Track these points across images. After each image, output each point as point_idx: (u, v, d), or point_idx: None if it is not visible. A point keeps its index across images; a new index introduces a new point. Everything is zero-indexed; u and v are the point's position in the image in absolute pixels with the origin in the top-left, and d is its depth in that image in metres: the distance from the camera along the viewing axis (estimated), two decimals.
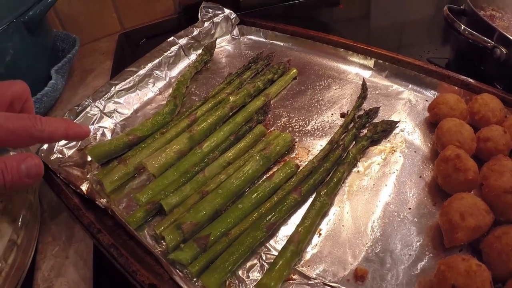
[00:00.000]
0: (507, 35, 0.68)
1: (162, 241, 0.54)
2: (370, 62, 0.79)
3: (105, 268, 0.55)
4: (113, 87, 0.74)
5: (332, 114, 0.71)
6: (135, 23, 1.08)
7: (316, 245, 0.53)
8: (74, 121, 0.68)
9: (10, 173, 0.45)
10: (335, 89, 0.76)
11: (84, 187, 0.59)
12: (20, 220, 0.53)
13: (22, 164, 0.46)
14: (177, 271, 0.50)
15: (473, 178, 0.53)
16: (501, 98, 0.65)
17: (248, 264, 0.51)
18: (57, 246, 0.60)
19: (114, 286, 0.55)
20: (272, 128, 0.70)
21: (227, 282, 0.49)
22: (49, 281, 0.56)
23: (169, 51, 0.84)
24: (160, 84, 0.81)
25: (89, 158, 0.65)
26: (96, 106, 0.71)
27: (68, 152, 0.65)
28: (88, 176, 0.63)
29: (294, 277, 0.49)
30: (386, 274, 0.49)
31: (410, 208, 0.56)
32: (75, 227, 0.62)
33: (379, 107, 0.71)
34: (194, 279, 0.49)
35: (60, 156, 0.64)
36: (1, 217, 0.58)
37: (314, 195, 0.57)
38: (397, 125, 0.67)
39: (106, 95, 0.73)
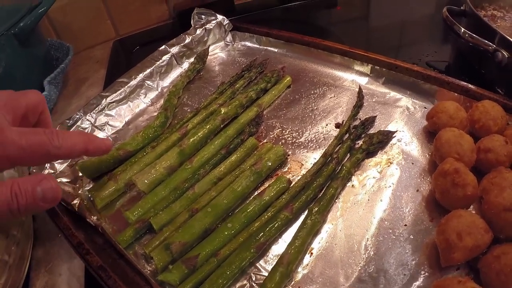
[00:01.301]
0: (509, 38, 0.65)
1: (152, 260, 0.52)
2: (367, 68, 0.76)
3: (98, 285, 0.54)
4: (104, 99, 0.73)
5: (326, 125, 0.69)
6: (130, 30, 1.07)
7: (307, 265, 0.51)
8: None
9: (25, 196, 0.41)
10: (330, 98, 0.74)
11: (75, 204, 0.58)
12: (11, 239, 0.53)
13: (37, 187, 0.42)
14: None
15: (472, 194, 0.51)
16: (503, 105, 0.62)
17: (237, 285, 0.50)
18: (50, 262, 0.60)
19: None
20: (265, 141, 0.68)
21: None
22: None
23: (160, 60, 0.82)
24: (152, 95, 0.80)
25: (80, 174, 0.64)
26: (87, 119, 0.70)
27: (60, 167, 0.65)
28: (79, 192, 0.62)
29: None
30: None
31: (406, 225, 0.54)
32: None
33: (376, 116, 0.68)
34: None
35: (52, 171, 0.63)
36: None
37: (306, 213, 0.55)
38: (394, 135, 0.65)
39: (97, 108, 0.72)
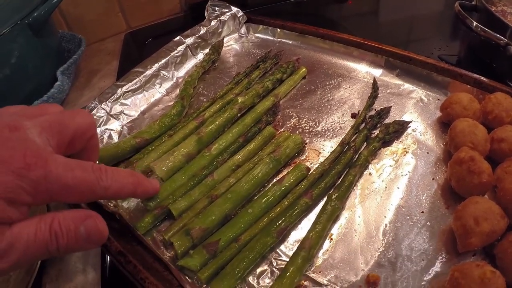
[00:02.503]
0: None
1: (171, 246, 0.53)
2: (381, 61, 0.77)
3: (114, 272, 0.55)
4: (120, 89, 0.74)
5: (342, 115, 0.70)
6: (141, 22, 1.07)
7: (328, 250, 0.52)
8: None
9: (66, 237, 0.36)
10: (345, 88, 0.75)
11: None
12: None
13: (80, 226, 0.37)
14: (186, 277, 0.49)
15: (488, 181, 0.52)
16: None
17: (258, 270, 0.50)
18: None
19: None
20: (282, 129, 0.69)
21: None
22: (57, 286, 0.56)
23: (176, 51, 0.83)
24: (167, 85, 0.80)
25: (96, 162, 0.64)
26: (103, 108, 0.71)
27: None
28: None
29: (305, 283, 0.49)
30: (398, 280, 0.48)
31: (423, 212, 0.55)
32: None
33: (391, 106, 0.69)
34: (204, 286, 0.49)
35: None
36: None
37: (325, 199, 0.56)
38: (409, 125, 0.66)
39: (112, 97, 0.72)
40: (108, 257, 0.57)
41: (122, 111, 0.73)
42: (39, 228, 0.35)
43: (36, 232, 0.35)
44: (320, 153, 0.64)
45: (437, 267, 0.49)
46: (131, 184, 0.44)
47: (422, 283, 0.47)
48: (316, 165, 0.61)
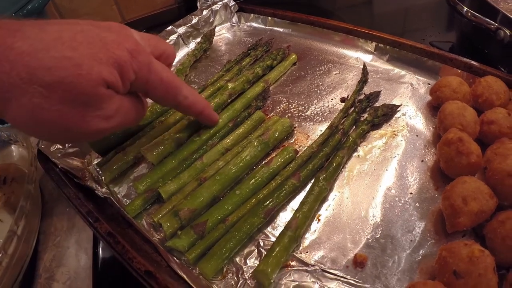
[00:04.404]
0: (510, 16, 0.67)
1: (161, 229, 0.53)
2: (371, 46, 0.77)
3: (105, 257, 0.55)
4: None
5: (332, 99, 0.70)
6: (136, 15, 1.08)
7: (315, 231, 0.52)
8: None
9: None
10: (335, 74, 0.75)
11: (84, 177, 0.59)
12: (20, 210, 0.53)
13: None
14: (174, 258, 0.50)
15: (476, 162, 0.52)
16: (505, 81, 0.63)
17: (245, 251, 0.51)
18: (58, 236, 0.61)
19: (114, 275, 0.55)
20: (271, 114, 0.69)
21: (224, 269, 0.49)
22: (50, 271, 0.56)
23: (167, 40, 0.83)
24: None
25: (89, 148, 0.65)
26: None
27: None
28: (88, 166, 0.63)
29: (293, 263, 0.49)
30: (387, 261, 0.48)
31: (411, 193, 0.55)
32: (76, 218, 0.62)
33: (380, 91, 0.69)
34: (191, 266, 0.49)
35: (60, 146, 0.64)
36: (3, 209, 0.59)
37: (313, 181, 0.56)
38: (398, 109, 0.66)
39: None
40: (100, 242, 0.58)
41: None
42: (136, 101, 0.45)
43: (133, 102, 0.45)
44: (309, 136, 0.64)
45: (426, 248, 0.49)
46: (202, 104, 0.53)
47: (411, 264, 0.47)
48: (305, 148, 0.61)
